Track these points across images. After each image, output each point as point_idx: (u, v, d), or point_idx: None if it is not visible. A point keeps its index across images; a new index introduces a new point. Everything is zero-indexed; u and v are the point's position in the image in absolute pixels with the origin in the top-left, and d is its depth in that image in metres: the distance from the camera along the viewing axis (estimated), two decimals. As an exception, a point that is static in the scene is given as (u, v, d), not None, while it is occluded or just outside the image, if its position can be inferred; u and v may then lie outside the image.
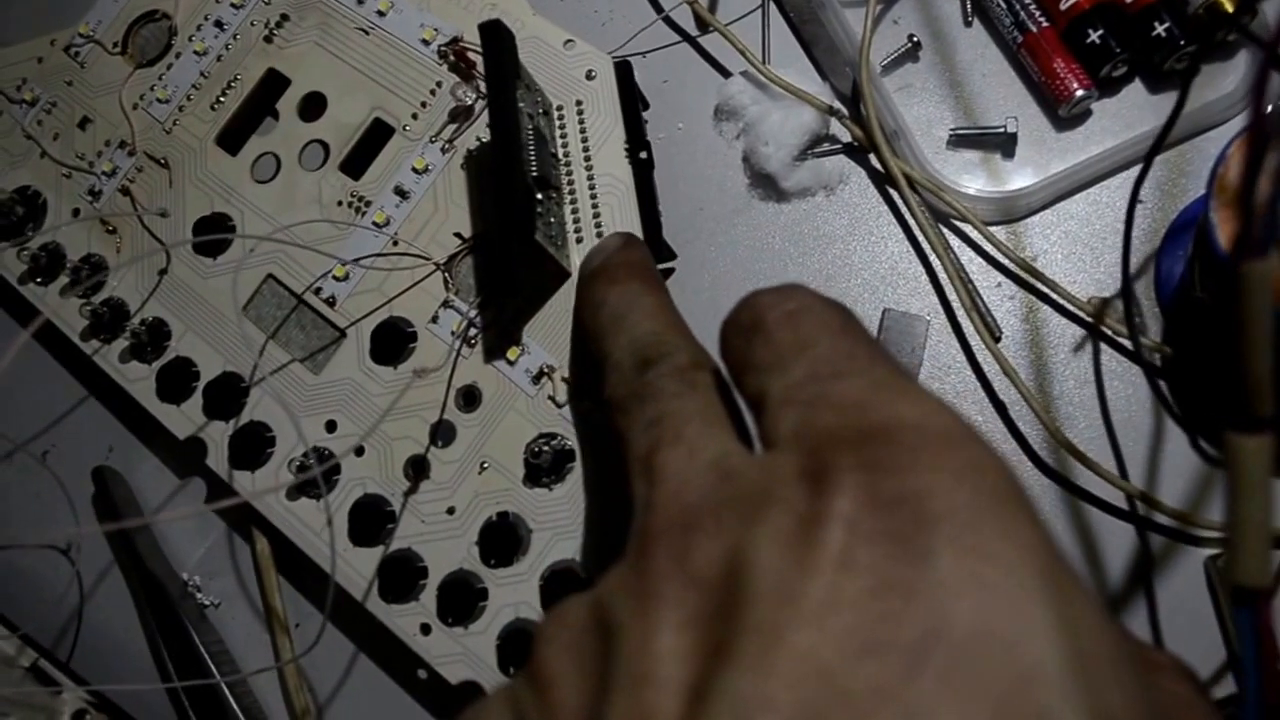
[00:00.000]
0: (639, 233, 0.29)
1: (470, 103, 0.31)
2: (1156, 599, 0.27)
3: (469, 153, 0.31)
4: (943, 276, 0.30)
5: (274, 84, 0.33)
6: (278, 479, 0.30)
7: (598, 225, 0.29)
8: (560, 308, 0.29)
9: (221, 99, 0.34)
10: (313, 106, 0.33)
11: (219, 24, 0.34)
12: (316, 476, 0.29)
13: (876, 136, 0.30)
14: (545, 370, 0.29)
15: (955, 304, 0.30)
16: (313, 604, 0.31)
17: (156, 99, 0.34)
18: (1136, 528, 0.28)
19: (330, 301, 0.31)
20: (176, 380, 0.31)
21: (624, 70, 0.31)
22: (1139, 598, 0.27)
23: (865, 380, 0.16)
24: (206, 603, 0.32)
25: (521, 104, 0.28)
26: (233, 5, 0.34)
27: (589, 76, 0.30)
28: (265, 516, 0.30)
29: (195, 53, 0.34)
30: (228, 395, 0.31)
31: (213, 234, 0.32)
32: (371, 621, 0.29)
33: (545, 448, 0.28)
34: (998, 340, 0.29)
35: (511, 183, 0.26)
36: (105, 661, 0.32)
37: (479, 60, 0.31)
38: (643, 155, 0.30)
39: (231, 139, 0.33)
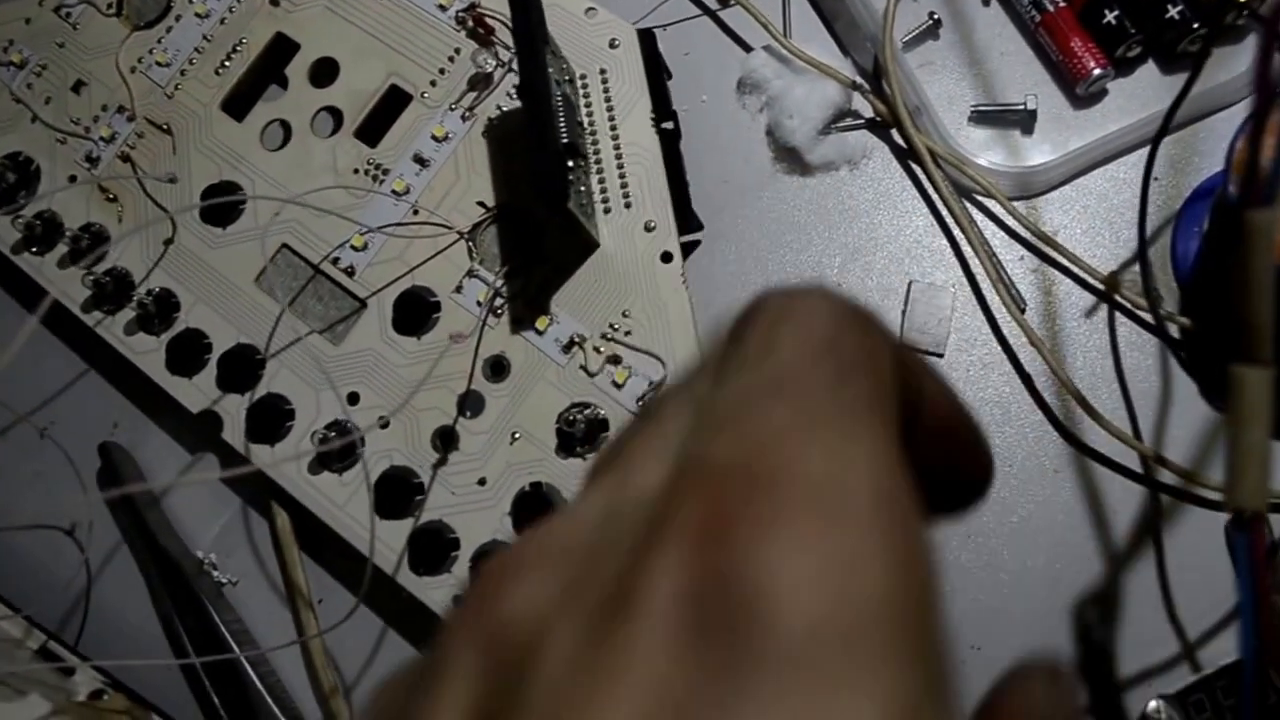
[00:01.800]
0: (667, 203, 0.29)
1: (490, 70, 0.31)
2: (1166, 560, 0.28)
3: (490, 121, 0.31)
4: (967, 250, 0.31)
5: (282, 49, 0.33)
6: (299, 452, 0.30)
7: (625, 195, 0.30)
8: (588, 278, 0.29)
9: (226, 64, 0.33)
10: (324, 72, 0.32)
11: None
12: (357, 439, 0.29)
13: (900, 111, 0.31)
14: (576, 340, 0.29)
15: (980, 276, 0.31)
16: (335, 579, 0.31)
17: (156, 63, 0.33)
18: (1152, 491, 0.29)
19: (349, 271, 0.31)
20: (187, 352, 0.31)
21: (648, 39, 0.31)
22: (1148, 557, 0.28)
23: (791, 410, 0.11)
24: (224, 580, 0.31)
25: (549, 70, 0.28)
26: (229, -29, 0.34)
27: (612, 45, 0.31)
28: (287, 491, 0.30)
29: (197, 15, 0.34)
30: (243, 367, 0.30)
31: (223, 198, 0.32)
32: (398, 595, 0.29)
33: (579, 417, 0.28)
34: (1023, 311, 0.30)
35: (545, 148, 0.26)
36: (115, 643, 0.31)
37: (498, 26, 0.31)
38: (669, 125, 0.30)
39: (238, 105, 0.33)
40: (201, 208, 0.32)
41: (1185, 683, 0.27)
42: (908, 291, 0.31)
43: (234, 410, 0.30)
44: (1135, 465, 0.29)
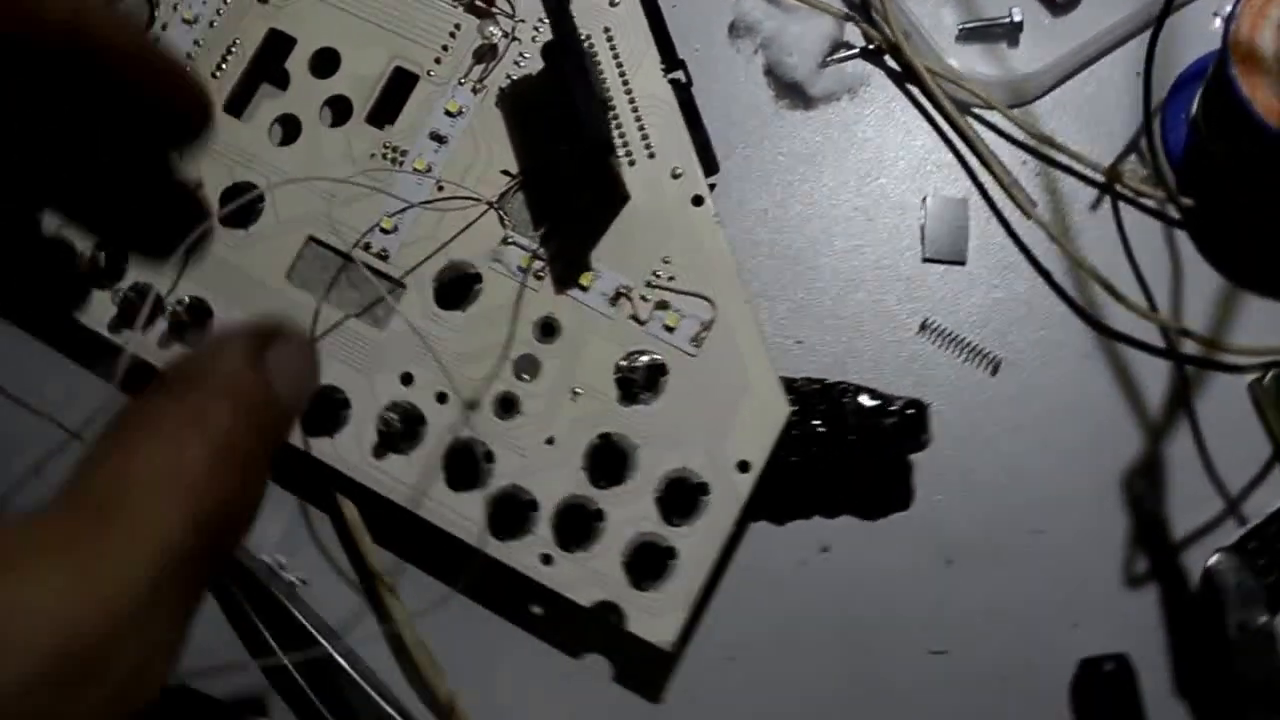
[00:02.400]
0: (690, 149, 0.30)
1: (496, 40, 0.32)
2: (1200, 425, 0.30)
3: (502, 90, 0.31)
4: (973, 161, 0.32)
5: (278, 45, 0.33)
6: (360, 440, 0.30)
7: (648, 147, 0.30)
8: (624, 230, 0.30)
9: (222, 66, 0.33)
10: (325, 63, 0.32)
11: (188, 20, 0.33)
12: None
13: (897, 36, 0.32)
14: (621, 291, 0.30)
15: (988, 184, 0.32)
16: (410, 563, 0.31)
17: (146, 74, 0.33)
18: (1175, 362, 0.31)
19: (383, 255, 0.31)
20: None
21: (646, -7, 0.32)
22: (1183, 425, 0.30)
23: None
24: (294, 580, 0.31)
25: (573, 27, 0.28)
26: (204, -18, 0.34)
27: (612, 4, 0.31)
28: (355, 479, 0.30)
29: (184, 20, 0.33)
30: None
31: (239, 200, 0.31)
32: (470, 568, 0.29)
33: (638, 364, 0.29)
34: (1030, 216, 0.32)
35: (588, 99, 0.27)
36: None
37: (498, -2, 0.32)
38: (680, 76, 0.31)
39: (241, 105, 0.33)
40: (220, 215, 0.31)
41: (1239, 534, 0.29)
42: (924, 204, 0.32)
43: (286, 407, 0.30)
44: (1158, 341, 0.31)
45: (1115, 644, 0.29)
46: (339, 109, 0.32)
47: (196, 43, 0.33)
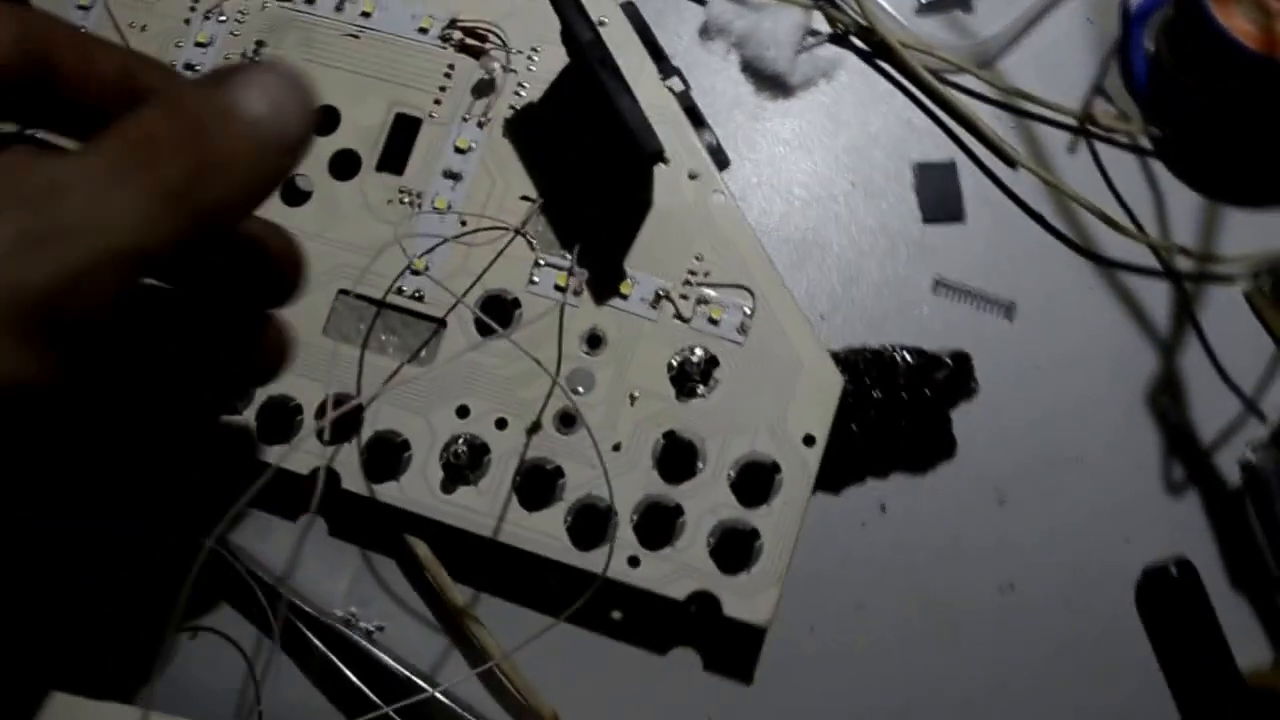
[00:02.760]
0: (701, 150, 0.32)
1: (494, 74, 0.32)
2: (1206, 335, 0.33)
3: (507, 120, 0.32)
4: (952, 123, 0.34)
5: (272, 109, 0.33)
6: (427, 479, 0.30)
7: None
8: (653, 236, 0.31)
9: (218, 138, 0.33)
10: (325, 121, 0.33)
11: (190, 67, 0.34)
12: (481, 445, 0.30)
13: (868, 14, 0.34)
14: (661, 294, 0.31)
15: (970, 143, 0.34)
16: (484, 591, 0.31)
17: (141, 156, 0.33)
18: (1174, 281, 0.33)
19: (418, 296, 0.32)
20: (279, 419, 0.31)
21: (631, 10, 0.33)
22: (1191, 338, 0.33)
23: None
24: (370, 628, 0.32)
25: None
26: (198, 45, 0.34)
27: (601, 24, 0.33)
28: (429, 517, 0.30)
29: (169, 100, 0.33)
30: (342, 417, 0.31)
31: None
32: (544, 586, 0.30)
33: (691, 359, 0.30)
34: (1015, 167, 0.34)
35: (632, 108, 0.28)
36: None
37: (490, 34, 0.33)
38: (678, 83, 0.32)
39: (245, 173, 0.33)
40: (245, 279, 0.32)
41: (1267, 431, 0.31)
42: (915, 172, 0.34)
43: (347, 460, 0.31)
44: (1154, 264, 0.33)
45: (1168, 551, 0.31)
46: (347, 163, 0.33)
47: (188, 118, 0.33)
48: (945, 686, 0.31)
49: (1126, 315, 0.33)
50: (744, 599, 0.29)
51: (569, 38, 0.30)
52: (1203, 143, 0.33)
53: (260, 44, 0.34)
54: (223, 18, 0.34)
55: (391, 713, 0.30)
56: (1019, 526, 0.32)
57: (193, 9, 0.34)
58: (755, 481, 0.30)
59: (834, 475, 0.31)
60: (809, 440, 0.30)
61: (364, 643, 0.31)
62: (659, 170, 0.31)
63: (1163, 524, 0.31)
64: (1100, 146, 0.34)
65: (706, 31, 0.35)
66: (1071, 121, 0.34)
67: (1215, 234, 0.33)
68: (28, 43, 0.19)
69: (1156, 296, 0.33)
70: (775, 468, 0.30)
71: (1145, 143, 0.34)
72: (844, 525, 0.32)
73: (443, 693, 0.30)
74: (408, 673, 0.30)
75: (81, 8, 0.35)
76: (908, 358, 0.31)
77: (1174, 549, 0.31)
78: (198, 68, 0.34)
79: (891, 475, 0.32)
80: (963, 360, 0.30)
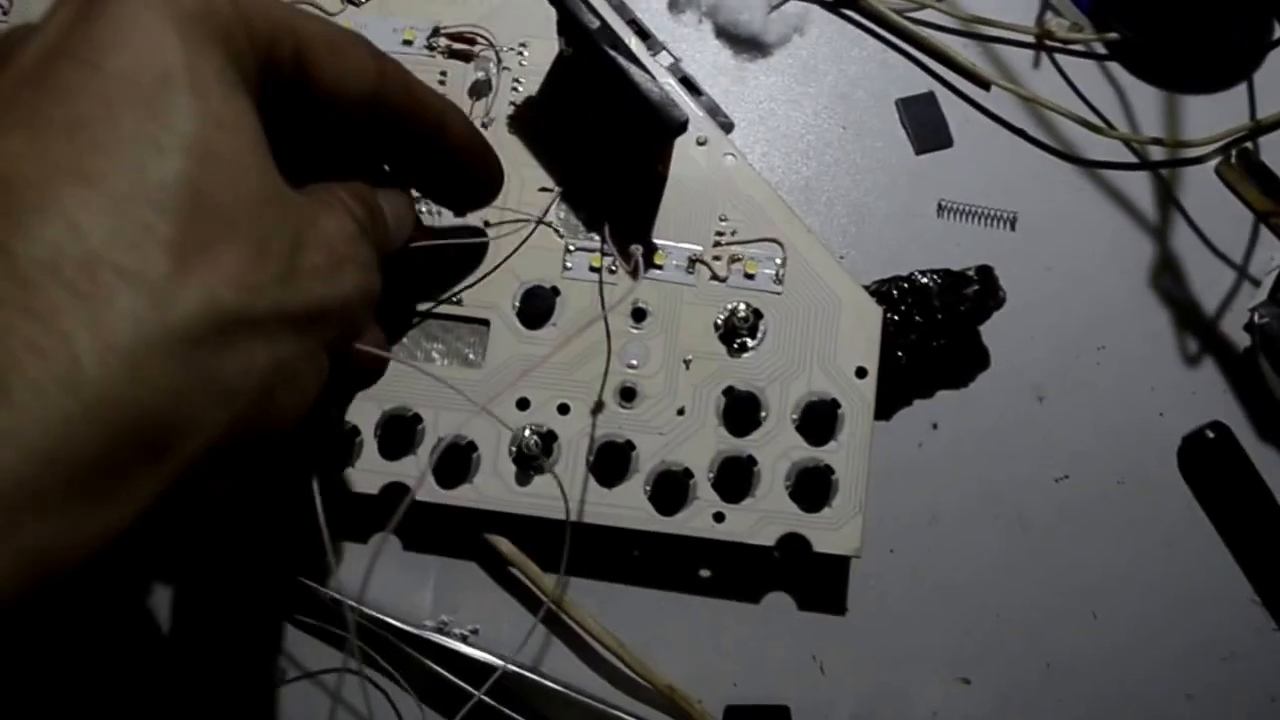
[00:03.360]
0: (703, 117, 0.33)
1: (490, 75, 0.33)
2: (1190, 215, 0.36)
3: (510, 117, 0.33)
4: (923, 58, 0.36)
5: (268, 142, 0.33)
6: (500, 475, 0.31)
7: (661, 126, 0.33)
8: (674, 204, 0.32)
9: (217, 179, 0.33)
10: (323, 145, 0.33)
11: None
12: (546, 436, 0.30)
13: (829, -33, 0.36)
14: (694, 258, 0.32)
15: (942, 72, 0.36)
16: (576, 577, 0.32)
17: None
18: (1151, 170, 0.36)
19: (456, 301, 0.32)
20: (339, 443, 0.31)
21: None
22: (1176, 220, 0.35)
23: None
24: (465, 633, 0.32)
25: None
26: (172, 91, 0.34)
27: (579, 10, 0.34)
28: (509, 513, 0.31)
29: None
30: (401, 431, 0.31)
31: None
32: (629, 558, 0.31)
33: (736, 316, 0.31)
34: (989, 88, 0.36)
35: (655, 86, 0.29)
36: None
37: (476, 36, 0.33)
38: (667, 55, 0.34)
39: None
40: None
41: (1264, 292, 0.34)
42: (899, 106, 0.36)
43: (414, 473, 0.31)
44: (1131, 158, 0.36)
45: (1200, 417, 0.33)
46: (355, 182, 0.33)
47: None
48: (1024, 578, 0.33)
49: (1117, 209, 0.35)
50: (831, 533, 0.31)
51: (571, 26, 0.30)
52: (1153, 40, 0.36)
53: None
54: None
55: (504, 709, 0.30)
56: (1061, 419, 0.34)
57: (160, 56, 0.34)
58: (819, 420, 0.31)
59: (883, 403, 0.33)
60: (861, 372, 0.31)
61: (464, 647, 0.31)
62: (669, 141, 0.33)
63: (1188, 394, 0.34)
64: (1060, 59, 0.37)
65: (676, 4, 0.36)
66: (1030, 39, 0.36)
67: (1179, 122, 0.36)
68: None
69: (1139, 188, 0.36)
70: (835, 404, 0.31)
71: (1100, 48, 0.36)
72: (902, 448, 0.33)
73: (550, 679, 0.31)
74: (516, 668, 0.31)
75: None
76: (936, 279, 0.32)
77: (1204, 415, 0.33)
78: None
79: (936, 394, 0.34)
80: (987, 273, 0.32)
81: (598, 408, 0.31)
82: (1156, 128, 0.36)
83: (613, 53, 0.29)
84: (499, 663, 0.31)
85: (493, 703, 0.30)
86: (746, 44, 0.36)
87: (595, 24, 0.30)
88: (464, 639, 0.32)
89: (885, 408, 0.33)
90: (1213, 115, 0.36)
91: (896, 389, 0.33)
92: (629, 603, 0.32)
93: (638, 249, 0.31)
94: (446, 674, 0.31)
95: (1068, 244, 0.35)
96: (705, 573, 0.33)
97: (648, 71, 0.29)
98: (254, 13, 0.20)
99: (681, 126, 0.29)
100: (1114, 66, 0.37)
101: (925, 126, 0.36)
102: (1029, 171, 0.36)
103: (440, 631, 0.32)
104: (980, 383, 0.34)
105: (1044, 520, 0.33)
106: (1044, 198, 0.35)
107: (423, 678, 0.31)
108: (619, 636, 0.32)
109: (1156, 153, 0.36)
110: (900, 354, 0.32)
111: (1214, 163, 0.36)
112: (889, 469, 0.33)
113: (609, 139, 0.32)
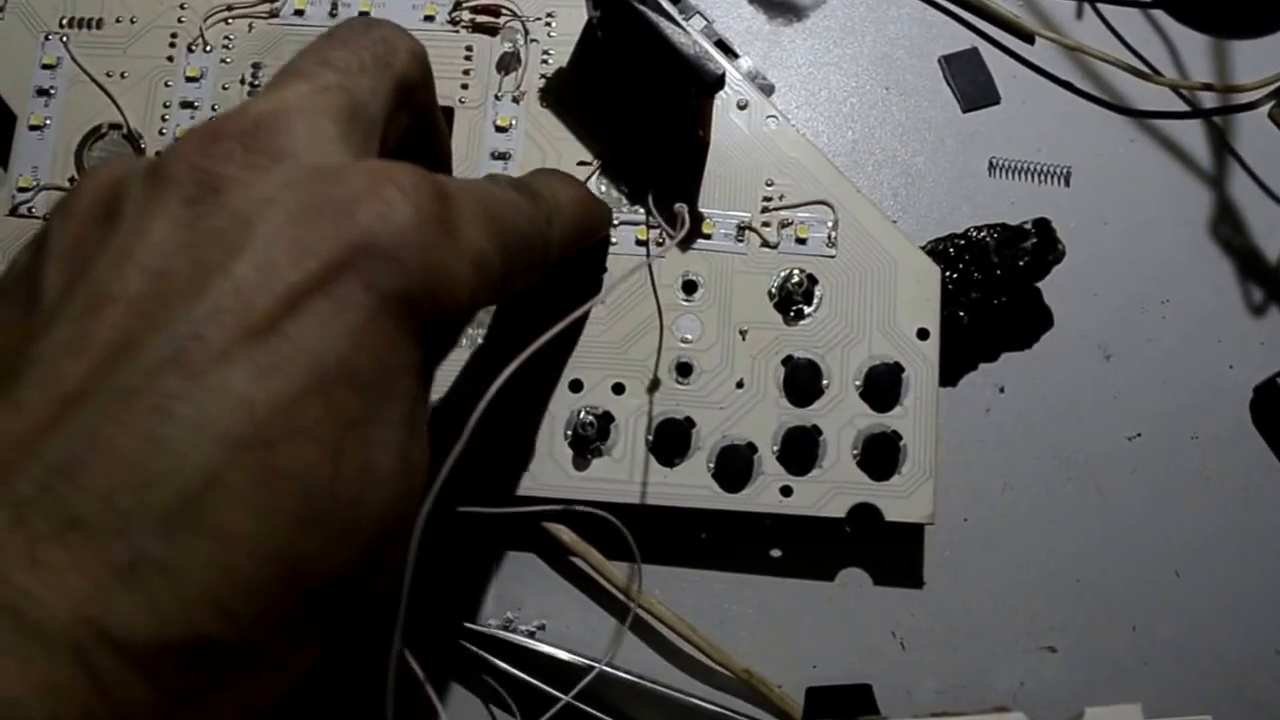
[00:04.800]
0: (741, 80, 0.33)
1: (517, 47, 0.34)
2: (1245, 160, 0.36)
3: (541, 90, 0.33)
4: (962, 12, 0.37)
5: (292, 128, 0.33)
6: (557, 460, 0.31)
7: (700, 92, 0.33)
8: (718, 171, 0.33)
9: (242, 169, 0.33)
10: (350, 128, 0.33)
11: (187, 105, 0.34)
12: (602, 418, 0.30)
13: (861, -76, 0.36)
14: (742, 225, 0.32)
15: (985, 28, 0.37)
16: (642, 563, 0.32)
17: (162, 206, 0.33)
18: (1203, 117, 0.36)
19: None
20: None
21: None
22: (1231, 166, 0.36)
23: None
24: (533, 629, 0.32)
25: None
26: (189, 80, 0.34)
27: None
28: (569, 499, 0.31)
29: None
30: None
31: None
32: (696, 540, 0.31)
33: (789, 282, 0.32)
34: (1033, 41, 0.37)
35: (692, 42, 0.29)
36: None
37: (501, 7, 0.34)
38: (700, 19, 0.34)
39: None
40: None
41: (1325, 229, 0.34)
42: (943, 64, 0.36)
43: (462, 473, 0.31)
44: (1183, 106, 0.36)
45: (1270, 366, 0.34)
46: (385, 165, 0.33)
47: (203, 156, 0.33)
48: (1102, 540, 0.33)
49: (1171, 159, 0.36)
50: (902, 501, 0.31)
51: None
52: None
53: (257, 66, 0.34)
54: (209, 48, 0.34)
55: (577, 704, 0.30)
56: (1130, 376, 0.34)
57: (172, 44, 0.34)
58: (883, 385, 0.31)
59: (948, 368, 0.33)
60: (923, 334, 0.32)
61: (532, 643, 0.31)
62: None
63: (1256, 344, 0.34)
64: (1103, 7, 0.37)
65: (705, -28, 0.37)
66: (1069, -18, 0.37)
67: (1229, 67, 0.36)
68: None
69: (1192, 136, 0.36)
70: (899, 367, 0.31)
71: (1142, -8, 0.37)
72: (969, 413, 0.34)
73: (624, 670, 0.31)
74: (587, 661, 0.31)
75: (47, 66, 0.34)
76: (993, 234, 0.33)
77: (1274, 364, 0.34)
78: (195, 104, 0.34)
79: (1000, 356, 0.34)
80: (1044, 225, 0.32)
81: (654, 385, 0.31)
82: (1206, 74, 0.36)
83: (643, 8, 0.30)
84: (583, 661, 0.31)
85: (579, 704, 0.30)
86: (780, 7, 0.37)
87: None
88: (531, 635, 0.32)
89: (951, 373, 0.34)
90: (1263, 59, 0.36)
91: (961, 352, 0.33)
92: (699, 587, 0.32)
93: (683, 207, 0.31)
94: (524, 675, 0.31)
95: (1124, 197, 0.35)
96: (776, 552, 0.33)
97: (682, 28, 0.30)
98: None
99: (719, 80, 0.29)
100: (1159, 15, 0.37)
101: (971, 83, 0.36)
102: (1079, 125, 0.36)
103: (507, 629, 0.32)
104: (1045, 343, 0.34)
105: (1119, 480, 0.33)
106: (1096, 151, 0.36)
107: (495, 678, 0.31)
108: (691, 620, 0.32)
109: (1207, 99, 0.36)
110: (962, 314, 0.32)
111: (1267, 107, 0.36)
112: (958, 435, 0.33)
113: (646, 105, 0.33)
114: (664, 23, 0.29)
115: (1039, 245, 0.32)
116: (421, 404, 0.20)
